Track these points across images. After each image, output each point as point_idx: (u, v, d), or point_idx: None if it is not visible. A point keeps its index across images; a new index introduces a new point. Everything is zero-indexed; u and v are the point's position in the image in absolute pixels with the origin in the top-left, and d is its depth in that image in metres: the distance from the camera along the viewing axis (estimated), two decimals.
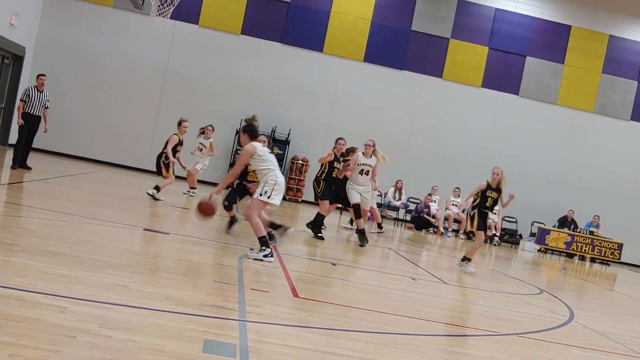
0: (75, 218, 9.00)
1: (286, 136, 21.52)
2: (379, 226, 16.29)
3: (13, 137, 20.08)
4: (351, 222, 15.22)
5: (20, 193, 11.35)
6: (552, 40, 22.83)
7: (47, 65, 19.91)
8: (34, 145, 15.25)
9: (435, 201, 20.71)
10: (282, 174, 22.69)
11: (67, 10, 20.92)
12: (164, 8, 16.06)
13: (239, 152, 21.00)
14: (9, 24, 18.22)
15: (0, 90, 19.22)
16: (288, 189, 21.52)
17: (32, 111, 14.50)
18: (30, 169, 14.47)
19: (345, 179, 12.70)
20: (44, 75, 14.75)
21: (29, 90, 14.51)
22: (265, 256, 8.11)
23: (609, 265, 20.85)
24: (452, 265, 12.34)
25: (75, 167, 18.28)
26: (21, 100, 14.50)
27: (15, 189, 11.67)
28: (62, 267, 5.84)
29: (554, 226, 21.52)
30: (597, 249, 20.67)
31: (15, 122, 19.70)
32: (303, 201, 21.63)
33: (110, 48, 21.08)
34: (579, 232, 20.93)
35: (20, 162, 14.35)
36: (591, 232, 21.01)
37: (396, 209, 20.97)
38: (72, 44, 20.92)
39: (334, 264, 9.38)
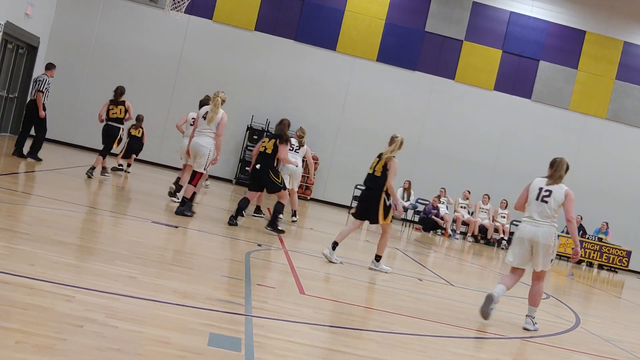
0: (85, 209, 9.04)
1: None
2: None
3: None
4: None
5: (31, 182, 11.42)
6: (566, 45, 22.72)
7: (61, 56, 19.98)
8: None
9: (444, 203, 20.67)
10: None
11: (82, 2, 20.98)
12: (178, 2, 16.09)
13: (249, 148, 21.03)
14: (24, 14, 18.30)
15: (14, 80, 19.30)
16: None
17: (46, 101, 14.29)
18: (26, 158, 13.98)
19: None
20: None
21: (49, 83, 14.22)
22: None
23: (616, 272, 20.76)
24: (459, 267, 12.33)
25: (86, 158, 18.35)
26: (40, 91, 14.02)
27: (26, 178, 11.73)
28: (71, 256, 5.88)
29: (563, 232, 21.44)
30: (605, 255, 20.58)
31: (24, 111, 19.87)
32: (312, 199, 21.64)
33: (124, 40, 21.14)
34: (588, 238, 20.84)
35: (31, 152, 13.98)
36: (600, 239, 20.91)
37: (404, 209, 20.95)
38: (86, 36, 20.99)
39: (341, 262, 9.38)
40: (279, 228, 10.56)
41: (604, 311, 11.39)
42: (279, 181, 10.59)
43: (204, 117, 10.49)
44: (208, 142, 10.42)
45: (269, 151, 10.50)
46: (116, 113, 13.68)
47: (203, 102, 12.63)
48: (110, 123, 13.70)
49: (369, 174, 9.12)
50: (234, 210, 10.66)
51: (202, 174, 10.63)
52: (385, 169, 8.94)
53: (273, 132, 10.76)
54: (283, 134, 10.71)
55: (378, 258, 9.25)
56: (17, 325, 3.84)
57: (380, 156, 9.17)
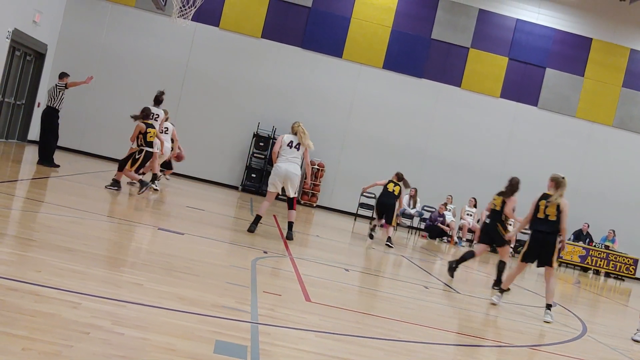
0: (91, 215, 9.06)
1: None
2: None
3: (32, 134, 20.28)
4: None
5: (38, 189, 11.45)
6: (572, 52, 22.70)
7: (69, 63, 20.03)
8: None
9: (450, 210, 20.63)
10: None
11: (89, 9, 21.09)
12: (185, 10, 16.15)
13: (255, 155, 21.09)
14: (32, 21, 18.40)
15: (21, 87, 19.38)
16: (303, 193, 21.53)
17: (60, 108, 14.84)
18: (57, 167, 14.56)
19: None
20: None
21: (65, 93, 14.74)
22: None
23: (623, 280, 20.66)
24: (465, 274, 12.28)
25: (94, 165, 18.42)
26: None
27: (33, 185, 11.77)
28: (77, 263, 5.88)
29: (569, 239, 21.37)
30: (612, 263, 20.49)
31: (32, 118, 20.03)
32: (318, 206, 21.63)
33: (131, 48, 21.22)
34: (594, 246, 20.77)
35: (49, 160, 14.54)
36: (606, 247, 20.83)
37: (410, 217, 20.91)
38: (93, 43, 21.07)
39: (346, 270, 9.37)
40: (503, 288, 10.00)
41: (611, 319, 11.34)
42: (505, 235, 10.73)
43: (290, 146, 10.84)
44: (299, 169, 10.96)
45: (497, 208, 10.73)
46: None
47: (157, 98, 14.23)
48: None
49: (540, 218, 9.01)
50: (457, 259, 10.75)
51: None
52: (559, 212, 8.93)
53: (504, 190, 10.99)
54: (513, 191, 10.88)
55: (549, 307, 8.88)
56: (23, 332, 3.85)
57: (546, 199, 9.12)
